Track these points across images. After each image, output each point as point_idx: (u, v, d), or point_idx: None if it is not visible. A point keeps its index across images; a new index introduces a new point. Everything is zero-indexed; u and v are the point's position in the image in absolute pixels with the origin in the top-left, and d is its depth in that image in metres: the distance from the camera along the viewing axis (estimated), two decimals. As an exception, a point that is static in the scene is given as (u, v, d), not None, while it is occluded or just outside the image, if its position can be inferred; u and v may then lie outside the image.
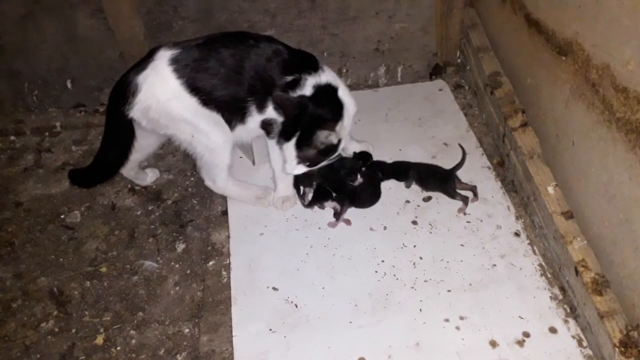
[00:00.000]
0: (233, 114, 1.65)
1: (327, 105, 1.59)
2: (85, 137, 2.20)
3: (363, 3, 2.13)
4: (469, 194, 1.77)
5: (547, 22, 1.66)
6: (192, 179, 2.00)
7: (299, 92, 1.59)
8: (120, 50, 2.16)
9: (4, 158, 2.13)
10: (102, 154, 1.77)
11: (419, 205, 1.77)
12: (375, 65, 2.26)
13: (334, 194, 1.77)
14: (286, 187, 1.79)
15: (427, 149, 1.94)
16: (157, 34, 2.14)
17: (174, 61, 1.57)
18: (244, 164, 1.98)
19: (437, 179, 1.78)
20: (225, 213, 1.83)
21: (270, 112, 1.63)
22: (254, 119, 1.66)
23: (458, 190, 1.76)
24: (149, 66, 1.58)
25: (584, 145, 1.52)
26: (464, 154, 1.83)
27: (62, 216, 1.90)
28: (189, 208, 1.90)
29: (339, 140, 1.60)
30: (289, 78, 1.59)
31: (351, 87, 2.15)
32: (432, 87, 2.22)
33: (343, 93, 1.64)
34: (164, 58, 1.58)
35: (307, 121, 1.54)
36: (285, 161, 1.61)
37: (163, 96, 1.58)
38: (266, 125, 1.66)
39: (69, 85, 2.25)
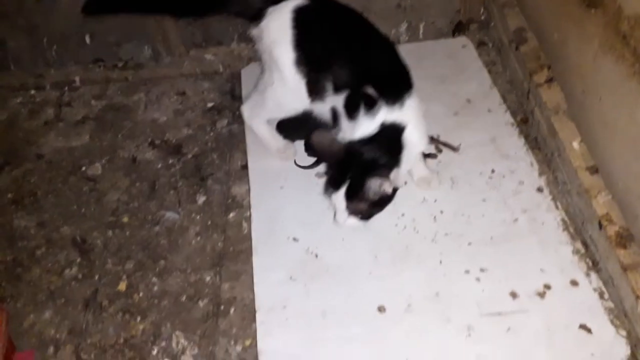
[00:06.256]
0: (313, 88, 1.59)
1: (383, 148, 1.44)
2: (105, 92, 2.20)
3: (386, -42, 2.09)
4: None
5: (577, -27, 1.62)
6: (211, 134, 2.00)
7: (367, 119, 1.45)
8: (140, 4, 2.14)
9: (25, 112, 2.15)
10: None
11: (440, 161, 1.76)
12: (397, 22, 2.22)
13: None
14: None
15: (450, 105, 1.92)
16: (176, -12, 2.11)
17: (297, 12, 1.57)
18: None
19: None
20: (245, 167, 1.83)
21: (336, 102, 1.55)
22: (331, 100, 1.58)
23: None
24: (282, 4, 1.59)
25: (612, 99, 1.49)
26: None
27: (83, 168, 1.91)
28: (209, 162, 1.90)
29: (395, 190, 1.48)
30: (371, 91, 1.46)
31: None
32: (455, 44, 2.19)
33: (411, 131, 1.47)
34: (292, 3, 1.58)
35: (357, 168, 1.43)
36: (335, 212, 1.51)
37: (273, 36, 1.58)
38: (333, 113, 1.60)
39: (87, 40, 2.24)
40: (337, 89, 1.53)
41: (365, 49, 1.54)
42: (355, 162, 1.43)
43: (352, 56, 1.52)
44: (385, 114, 1.45)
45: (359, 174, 1.41)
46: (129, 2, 1.75)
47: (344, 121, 1.53)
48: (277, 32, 1.58)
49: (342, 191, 1.45)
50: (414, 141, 1.49)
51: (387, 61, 1.55)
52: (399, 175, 1.47)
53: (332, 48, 1.54)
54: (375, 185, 1.42)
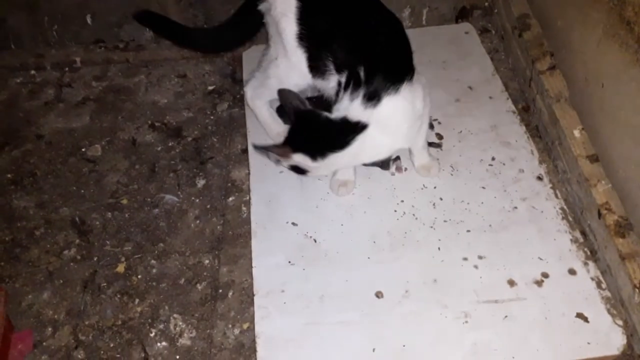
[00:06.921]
0: (314, 65, 1.56)
1: (321, 133, 1.45)
2: (105, 74, 2.18)
3: (390, -59, 2.06)
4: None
5: (582, -41, 1.60)
6: (212, 117, 1.99)
7: (347, 100, 1.42)
8: (142, -14, 2.12)
9: (25, 92, 2.13)
10: (217, 27, 1.84)
11: (441, 149, 1.76)
12: (400, 7, 2.19)
13: None
14: (347, 170, 1.66)
15: (451, 92, 1.90)
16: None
17: None
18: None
19: None
20: (245, 151, 1.83)
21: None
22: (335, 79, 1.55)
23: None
24: None
25: (614, 87, 1.48)
26: None
27: (83, 149, 1.90)
28: (209, 145, 1.90)
29: (299, 169, 1.51)
30: (362, 74, 1.39)
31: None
32: (458, 30, 2.17)
33: (371, 133, 1.41)
34: None
35: (294, 131, 1.49)
36: None
37: (280, 8, 1.55)
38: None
39: (88, 20, 2.22)
40: (338, 69, 1.50)
41: (367, 29, 1.47)
42: (299, 123, 1.48)
43: (353, 36, 1.47)
44: (356, 107, 1.40)
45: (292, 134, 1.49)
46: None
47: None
48: (283, 4, 1.55)
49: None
50: (376, 144, 1.45)
51: (386, 46, 1.47)
52: (309, 162, 1.47)
53: (334, 25, 1.50)
54: (275, 152, 1.49)
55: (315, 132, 1.47)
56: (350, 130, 1.41)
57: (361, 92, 1.39)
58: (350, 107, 1.41)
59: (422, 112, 1.50)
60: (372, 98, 1.38)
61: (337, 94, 1.51)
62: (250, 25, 1.72)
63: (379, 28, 1.49)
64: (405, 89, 1.40)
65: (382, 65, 1.41)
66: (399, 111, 1.42)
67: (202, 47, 1.98)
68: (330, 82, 1.54)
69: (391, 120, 1.43)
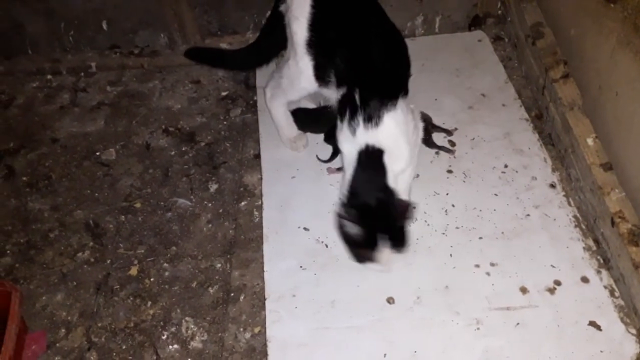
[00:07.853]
0: (319, 74, 1.59)
1: (376, 179, 1.42)
2: (120, 79, 2.21)
3: (403, -51, 2.07)
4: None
5: (597, -32, 1.60)
6: (225, 122, 2.01)
7: (348, 132, 1.44)
8: (157, -8, 2.15)
9: (41, 96, 2.16)
10: (254, 41, 1.90)
11: (454, 156, 1.76)
12: (413, 15, 2.20)
13: None
14: None
15: (464, 99, 1.91)
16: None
17: None
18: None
19: None
20: (257, 156, 1.84)
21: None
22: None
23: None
24: None
25: (628, 95, 1.48)
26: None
27: (98, 153, 1.92)
28: (222, 150, 1.91)
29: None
30: (357, 97, 1.44)
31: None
32: (471, 37, 2.17)
33: (389, 155, 1.41)
34: None
35: (379, 217, 1.40)
36: (380, 264, 1.44)
37: (295, 12, 1.57)
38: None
39: (104, 26, 2.25)
40: (338, 83, 1.52)
41: (367, 46, 1.49)
42: (372, 216, 1.39)
43: (353, 51, 1.49)
44: (363, 135, 1.42)
45: (384, 217, 1.39)
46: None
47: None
48: (298, 8, 1.57)
49: (383, 244, 1.39)
50: (394, 163, 1.43)
51: (383, 65, 1.48)
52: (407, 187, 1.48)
53: (339, 36, 1.52)
54: (407, 216, 1.42)
55: (377, 191, 1.42)
56: (374, 156, 1.43)
57: (360, 120, 1.43)
58: (357, 138, 1.44)
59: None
60: (372, 120, 1.42)
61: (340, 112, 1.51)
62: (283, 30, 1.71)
63: (379, 47, 1.49)
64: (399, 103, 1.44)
65: (384, 83, 1.46)
66: (400, 122, 1.44)
67: (250, 65, 2.01)
68: (335, 93, 1.56)
69: (396, 135, 1.45)
